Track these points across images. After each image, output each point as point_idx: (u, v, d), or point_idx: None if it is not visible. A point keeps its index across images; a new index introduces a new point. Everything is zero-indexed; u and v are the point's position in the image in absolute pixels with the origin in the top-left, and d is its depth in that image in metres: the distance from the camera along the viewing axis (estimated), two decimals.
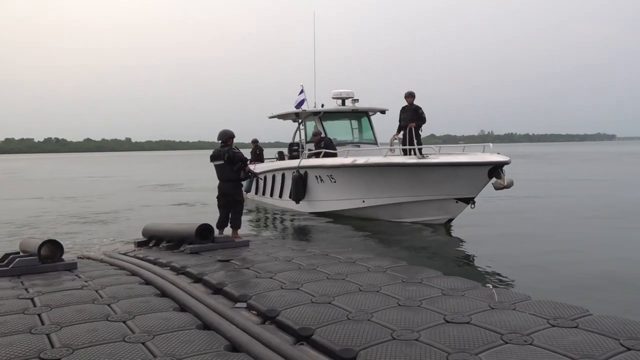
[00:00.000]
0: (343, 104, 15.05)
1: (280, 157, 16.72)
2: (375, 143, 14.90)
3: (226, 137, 8.06)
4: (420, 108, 11.20)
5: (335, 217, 12.31)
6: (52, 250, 6.22)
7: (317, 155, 13.19)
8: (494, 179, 9.35)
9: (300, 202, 12.93)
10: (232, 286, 4.89)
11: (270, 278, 5.15)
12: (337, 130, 14.73)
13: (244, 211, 8.63)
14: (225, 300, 4.62)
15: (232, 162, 7.93)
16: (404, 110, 11.37)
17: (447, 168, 9.91)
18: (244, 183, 15.72)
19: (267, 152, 18.77)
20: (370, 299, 4.28)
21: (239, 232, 8.25)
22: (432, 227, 10.78)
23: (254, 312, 4.23)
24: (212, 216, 8.64)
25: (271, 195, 15.32)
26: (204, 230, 7.08)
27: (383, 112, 15.28)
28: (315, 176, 12.44)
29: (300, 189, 12.68)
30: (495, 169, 9.38)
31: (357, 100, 14.85)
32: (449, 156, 10.33)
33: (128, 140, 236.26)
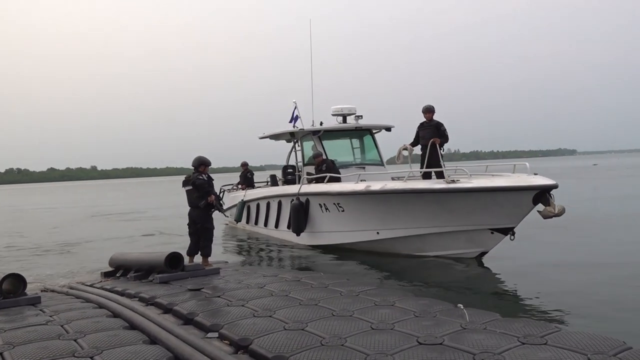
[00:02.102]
0: (344, 121, 13.28)
1: (273, 181, 15.07)
2: (382, 164, 13.21)
3: (198, 163, 8.08)
4: (442, 124, 9.74)
5: (343, 250, 10.65)
6: (14, 285, 6.01)
7: (319, 180, 11.43)
8: (540, 206, 7.88)
9: (301, 234, 11.25)
10: (203, 316, 4.81)
11: (242, 306, 5.09)
12: (336, 150, 13.09)
13: (229, 240, 8.45)
14: (196, 331, 4.54)
15: (197, 189, 7.93)
16: (422, 126, 9.92)
17: (484, 194, 8.28)
18: (234, 211, 14.84)
19: (255, 176, 17.31)
20: (344, 324, 4.26)
21: (210, 259, 8.16)
22: (463, 261, 9.18)
23: (226, 341, 4.16)
24: (181, 244, 8.54)
25: (265, 225, 13.47)
26: (174, 259, 6.97)
27: (389, 129, 13.62)
28: (319, 204, 10.75)
29: (301, 218, 11.02)
30: (542, 194, 7.83)
31: (361, 116, 13.02)
32: (484, 179, 8.74)
33: (94, 168, 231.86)
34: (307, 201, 11.06)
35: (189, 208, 8.20)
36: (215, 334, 4.34)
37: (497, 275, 8.34)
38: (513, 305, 6.44)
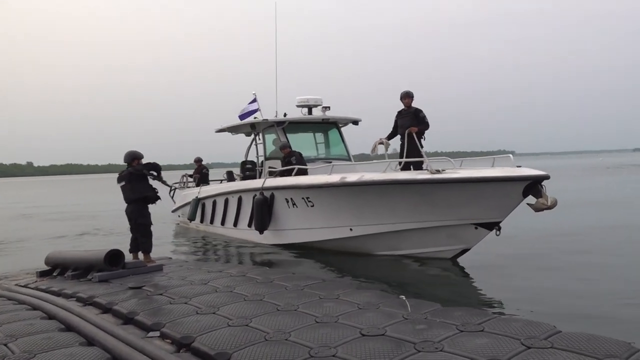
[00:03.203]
0: (310, 112, 12.37)
1: (230, 177, 14.10)
2: (349, 159, 12.35)
3: (130, 158, 7.88)
4: (421, 111, 9.00)
5: (310, 249, 9.83)
6: None
7: (285, 173, 10.51)
8: (531, 199, 7.30)
9: (265, 232, 10.40)
10: (144, 314, 4.68)
11: (185, 303, 4.99)
12: (300, 144, 12.08)
13: (180, 241, 8.05)
14: (137, 330, 4.41)
15: (140, 177, 7.71)
16: (400, 114, 9.19)
17: (471, 185, 7.55)
18: (188, 209, 13.76)
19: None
20: (288, 319, 4.26)
21: (154, 256, 7.96)
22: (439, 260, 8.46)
23: (167, 340, 4.07)
24: (123, 242, 8.27)
25: (222, 223, 12.47)
26: (114, 256, 6.74)
27: (356, 122, 12.82)
28: (286, 199, 9.90)
29: (264, 215, 10.16)
30: (533, 186, 7.22)
31: (329, 107, 12.15)
32: (471, 170, 7.96)
33: (30, 164, 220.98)
34: (272, 196, 10.20)
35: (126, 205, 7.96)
36: (157, 333, 4.24)
37: (452, 267, 8.25)
38: (456, 295, 6.57)
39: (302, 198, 9.56)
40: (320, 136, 12.94)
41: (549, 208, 7.14)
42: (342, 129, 12.86)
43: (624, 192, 21.43)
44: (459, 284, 7.33)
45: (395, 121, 9.28)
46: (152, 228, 8.04)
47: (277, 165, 11.33)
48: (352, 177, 8.57)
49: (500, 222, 7.87)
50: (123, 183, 7.78)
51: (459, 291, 6.85)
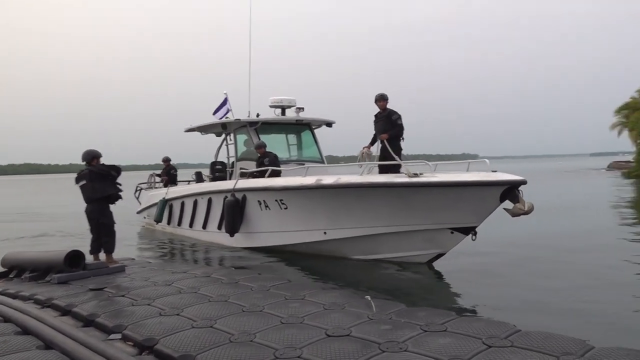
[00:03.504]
0: (283, 113, 12.16)
1: (199, 178, 13.68)
2: (322, 161, 12.12)
3: (89, 157, 7.70)
4: (394, 113, 8.80)
5: (283, 253, 9.56)
6: None
7: (258, 174, 10.19)
8: (508, 204, 7.27)
9: (236, 234, 10.08)
10: (106, 316, 4.57)
11: (148, 305, 4.90)
12: (273, 145, 11.69)
13: (145, 243, 7.74)
14: (97, 333, 4.31)
15: (103, 177, 7.53)
16: (376, 117, 9.04)
17: (449, 189, 7.49)
18: (155, 210, 13.34)
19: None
20: (253, 320, 4.23)
21: (115, 256, 7.78)
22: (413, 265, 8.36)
23: (129, 343, 3.99)
24: (83, 244, 8.05)
25: (191, 225, 12.10)
26: (74, 257, 6.56)
27: (329, 124, 12.63)
28: (258, 201, 9.66)
29: (236, 217, 9.88)
30: (510, 191, 7.19)
31: (302, 109, 11.95)
32: (449, 174, 7.86)
33: None
34: (244, 198, 9.93)
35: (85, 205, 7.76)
36: (118, 336, 4.15)
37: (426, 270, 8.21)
38: (423, 296, 6.60)
39: (276, 200, 9.34)
40: (292, 137, 12.70)
41: (526, 213, 7.14)
42: (316, 131, 12.66)
43: (584, 196, 22.00)
44: (427, 287, 7.39)
45: (374, 125, 9.14)
46: (116, 228, 7.86)
47: (249, 166, 11.09)
48: (328, 180, 8.40)
49: (477, 227, 7.84)
50: (83, 182, 7.57)
51: (426, 293, 6.92)
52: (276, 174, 9.83)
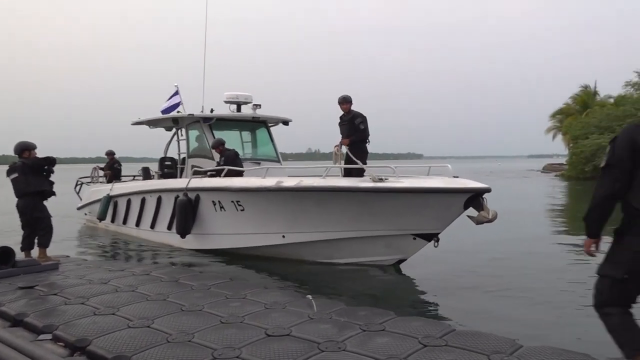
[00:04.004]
0: (238, 110, 11.67)
1: (146, 175, 12.86)
2: (278, 160, 11.81)
3: (21, 149, 7.31)
4: (358, 116, 8.53)
5: (238, 255, 9.18)
6: None
7: (216, 173, 9.70)
8: (473, 211, 7.23)
9: (188, 236, 9.61)
10: (35, 316, 4.37)
11: (82, 304, 4.72)
12: (226, 142, 11.10)
13: (86, 241, 7.24)
14: (26, 333, 4.11)
15: (36, 170, 7.18)
16: (341, 120, 8.80)
17: (413, 195, 7.41)
18: (98, 207, 12.49)
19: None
20: (193, 319, 4.17)
21: (49, 253, 7.44)
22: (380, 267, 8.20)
23: (60, 343, 3.83)
24: (15, 240, 7.64)
25: (137, 224, 11.54)
26: (3, 254, 6.23)
27: (286, 122, 12.25)
28: (213, 201, 9.30)
29: (188, 218, 9.43)
30: (474, 198, 7.19)
31: (259, 106, 11.56)
32: (413, 179, 7.82)
33: None
34: (197, 197, 9.49)
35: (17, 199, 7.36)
36: (49, 336, 3.97)
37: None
38: (366, 296, 6.55)
39: (232, 201, 8.97)
40: (247, 135, 12.34)
41: (490, 221, 7.08)
42: (272, 130, 12.25)
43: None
44: (375, 287, 7.28)
45: (339, 124, 8.85)
46: (52, 223, 7.49)
47: (201, 163, 10.73)
48: (289, 182, 8.12)
49: (439, 233, 7.77)
50: (15, 175, 7.18)
51: (371, 293, 6.82)
52: (236, 173, 9.40)
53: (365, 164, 8.37)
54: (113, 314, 4.39)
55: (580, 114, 41.61)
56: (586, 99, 42.78)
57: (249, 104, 11.65)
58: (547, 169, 54.44)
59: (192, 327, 3.97)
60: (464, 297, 6.60)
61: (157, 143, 13.08)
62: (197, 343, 3.64)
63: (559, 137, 46.80)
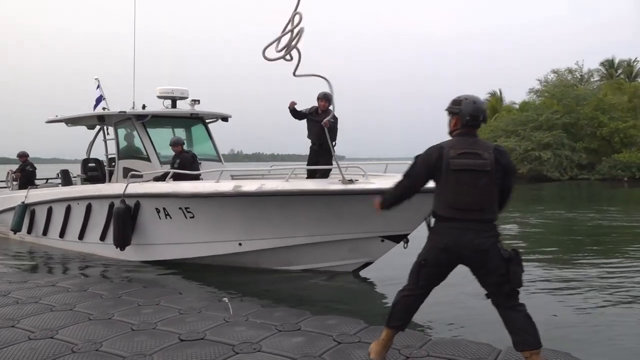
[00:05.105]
0: (174, 105, 10.68)
1: (66, 178, 11.64)
2: (219, 159, 10.99)
3: None
4: (337, 120, 7.94)
5: (182, 265, 8.41)
6: None
7: (160, 178, 8.85)
8: None
9: (127, 247, 8.63)
10: None
11: None
12: (156, 141, 10.31)
13: None
14: None
15: None
16: (311, 115, 8.21)
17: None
18: (12, 217, 10.91)
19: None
20: (101, 328, 3.99)
21: None
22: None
23: None
24: None
25: (61, 235, 10.29)
26: None
27: (225, 119, 11.37)
28: (156, 209, 8.45)
29: (127, 228, 8.52)
30: None
31: (198, 101, 10.62)
32: (383, 180, 7.28)
33: None
34: (138, 205, 8.60)
35: None
36: None
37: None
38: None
39: (180, 208, 8.17)
40: (181, 132, 11.16)
41: None
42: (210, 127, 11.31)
43: None
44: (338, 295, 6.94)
45: (308, 118, 8.15)
46: None
47: (136, 165, 9.77)
48: (249, 186, 7.43)
49: (409, 234, 7.37)
50: None
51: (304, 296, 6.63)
52: (191, 177, 8.55)
53: (330, 164, 7.81)
54: (12, 326, 4.11)
55: (489, 118, 44.20)
56: (495, 104, 45.55)
57: (187, 99, 10.66)
58: None
59: (99, 336, 3.80)
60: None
61: (70, 143, 11.96)
62: (105, 352, 3.50)
63: None
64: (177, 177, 8.41)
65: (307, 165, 8.14)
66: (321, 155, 7.95)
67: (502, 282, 3.06)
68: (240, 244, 7.95)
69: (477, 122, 3.23)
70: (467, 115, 3.20)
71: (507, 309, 3.10)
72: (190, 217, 8.16)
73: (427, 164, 3.26)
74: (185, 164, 8.88)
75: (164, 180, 8.48)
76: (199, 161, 9.46)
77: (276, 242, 7.76)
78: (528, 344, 3.04)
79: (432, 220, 3.29)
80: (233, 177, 8.81)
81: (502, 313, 3.12)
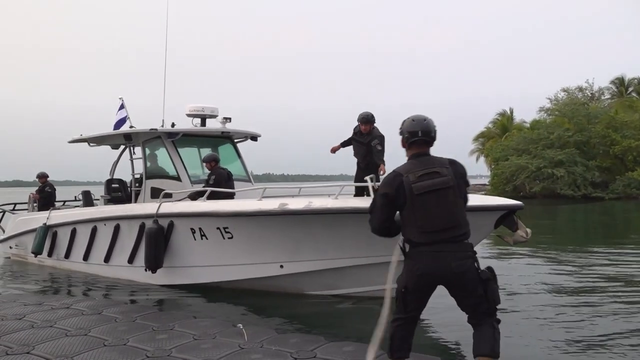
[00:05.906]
0: (203, 123, 10.37)
1: (87, 199, 11.41)
2: (249, 179, 10.69)
3: None
4: (375, 137, 7.63)
5: (218, 291, 7.94)
6: None
7: (195, 197, 8.57)
8: (504, 229, 6.49)
9: (158, 270, 8.21)
10: None
11: None
12: (186, 161, 10.01)
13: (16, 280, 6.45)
14: None
15: None
16: (356, 135, 7.88)
17: None
18: (33, 240, 10.61)
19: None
20: (116, 356, 3.98)
21: None
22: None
23: None
24: None
25: (85, 258, 9.87)
26: None
27: (254, 138, 11.11)
28: (192, 229, 8.05)
29: (160, 250, 8.11)
30: (507, 216, 6.41)
31: (229, 119, 10.31)
32: None
33: None
34: (171, 225, 8.21)
35: None
36: None
37: None
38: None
39: (218, 228, 7.79)
40: (208, 152, 10.73)
41: (526, 240, 6.33)
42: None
43: None
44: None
45: (353, 139, 7.89)
46: None
47: (165, 185, 9.40)
48: (296, 205, 7.08)
49: None
50: None
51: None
52: (224, 196, 8.25)
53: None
54: (28, 352, 4.11)
55: (500, 137, 44.10)
56: (506, 123, 45.44)
57: (218, 118, 10.32)
58: (472, 189, 56.89)
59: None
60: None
61: (84, 164, 12.05)
62: None
63: (482, 159, 49.31)
64: (210, 196, 8.08)
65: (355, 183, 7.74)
66: (368, 174, 7.34)
67: (480, 302, 3.10)
68: (281, 266, 7.57)
69: (416, 138, 3.21)
70: (405, 133, 3.24)
71: (482, 325, 3.13)
72: (229, 238, 7.77)
73: (387, 198, 3.20)
74: (221, 180, 8.56)
75: (198, 200, 8.24)
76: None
77: (321, 264, 7.38)
78: (482, 350, 3.07)
79: (407, 246, 3.22)
80: (263, 197, 8.15)
81: (476, 329, 3.16)
